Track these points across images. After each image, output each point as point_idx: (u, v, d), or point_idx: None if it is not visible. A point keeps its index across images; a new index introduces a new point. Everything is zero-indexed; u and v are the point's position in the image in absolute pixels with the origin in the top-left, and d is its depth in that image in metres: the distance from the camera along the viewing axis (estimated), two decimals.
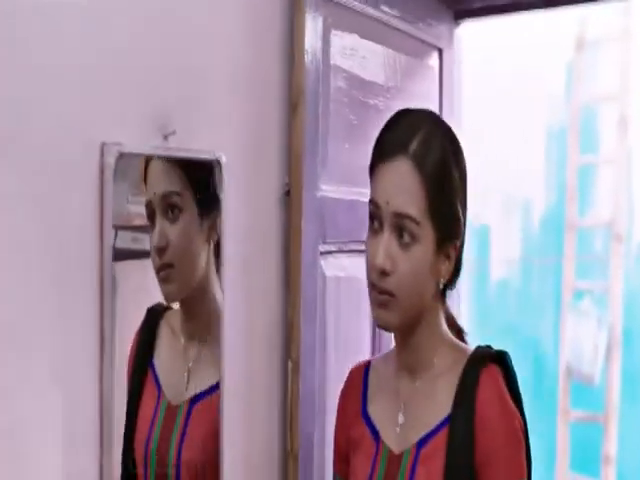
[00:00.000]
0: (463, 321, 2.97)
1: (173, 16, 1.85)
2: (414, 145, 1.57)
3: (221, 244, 1.95)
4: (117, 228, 1.71)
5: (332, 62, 2.25)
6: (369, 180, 1.63)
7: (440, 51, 2.78)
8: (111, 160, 1.66)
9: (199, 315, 1.96)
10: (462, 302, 3.07)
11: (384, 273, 1.58)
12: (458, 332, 1.75)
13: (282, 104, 2.17)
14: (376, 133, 1.63)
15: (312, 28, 2.17)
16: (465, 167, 1.65)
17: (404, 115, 1.64)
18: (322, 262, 2.23)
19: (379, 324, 1.64)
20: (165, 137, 1.80)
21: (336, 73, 2.28)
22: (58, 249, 1.59)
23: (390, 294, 1.59)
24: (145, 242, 1.83)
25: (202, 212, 1.90)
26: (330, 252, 2.25)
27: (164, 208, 1.82)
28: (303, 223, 2.13)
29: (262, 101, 2.12)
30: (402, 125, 1.61)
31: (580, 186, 5.06)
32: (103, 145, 1.66)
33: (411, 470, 1.63)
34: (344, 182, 2.29)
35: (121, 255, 1.73)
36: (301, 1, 2.13)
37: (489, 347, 1.69)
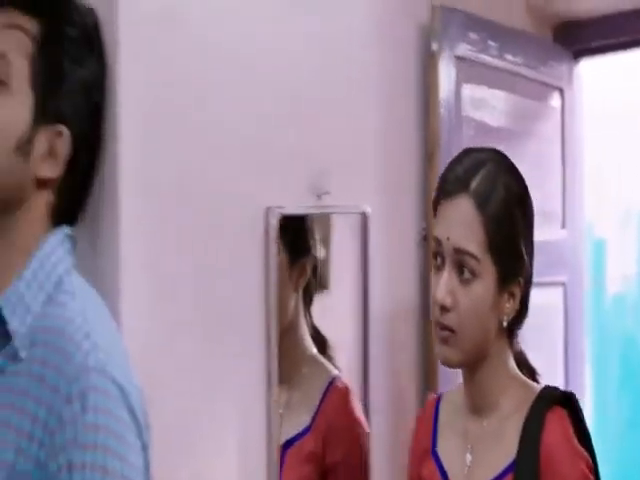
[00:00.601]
0: (583, 338, 3.10)
1: (321, 85, 2.04)
2: (475, 183, 1.60)
3: (367, 287, 2.14)
4: None
5: (463, 113, 2.42)
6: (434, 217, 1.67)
7: (561, 91, 2.91)
8: (274, 222, 1.87)
9: (287, 357, 1.98)
10: (584, 319, 3.18)
11: (445, 309, 1.59)
12: (530, 372, 1.74)
13: (418, 154, 2.34)
14: None
15: (445, 83, 2.34)
16: (530, 205, 1.67)
17: (468, 154, 1.68)
18: None
19: (440, 360, 1.65)
20: (319, 197, 2.00)
21: (467, 123, 2.44)
22: (230, 296, 1.81)
23: (451, 330, 1.59)
24: None
25: (291, 260, 2.00)
26: None
27: None
28: None
29: (400, 153, 2.30)
30: (465, 163, 1.64)
31: None
32: (267, 209, 1.87)
33: None
34: None
35: None
36: (435, 59, 2.31)
37: (556, 389, 1.67)
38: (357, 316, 2.14)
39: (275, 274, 1.87)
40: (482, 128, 2.51)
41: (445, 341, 1.61)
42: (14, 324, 1.30)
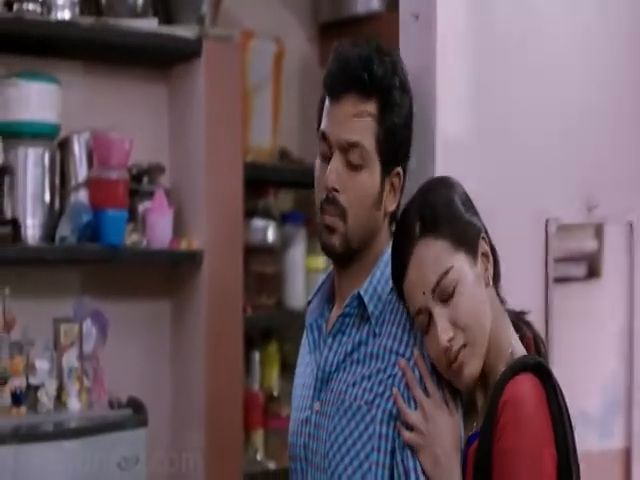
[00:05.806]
0: None
1: (599, 103, 2.39)
2: None
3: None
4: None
5: None
6: None
7: None
8: (553, 230, 2.28)
9: None
10: None
11: None
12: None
13: None
14: None
15: None
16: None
17: None
18: None
19: None
20: (589, 209, 2.38)
21: None
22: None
23: None
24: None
25: None
26: None
27: None
28: None
29: None
30: None
31: None
32: (547, 220, 2.27)
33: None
34: None
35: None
36: None
37: (533, 358, 1.73)
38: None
39: (553, 272, 2.27)
40: None
41: None
42: (371, 309, 1.83)
